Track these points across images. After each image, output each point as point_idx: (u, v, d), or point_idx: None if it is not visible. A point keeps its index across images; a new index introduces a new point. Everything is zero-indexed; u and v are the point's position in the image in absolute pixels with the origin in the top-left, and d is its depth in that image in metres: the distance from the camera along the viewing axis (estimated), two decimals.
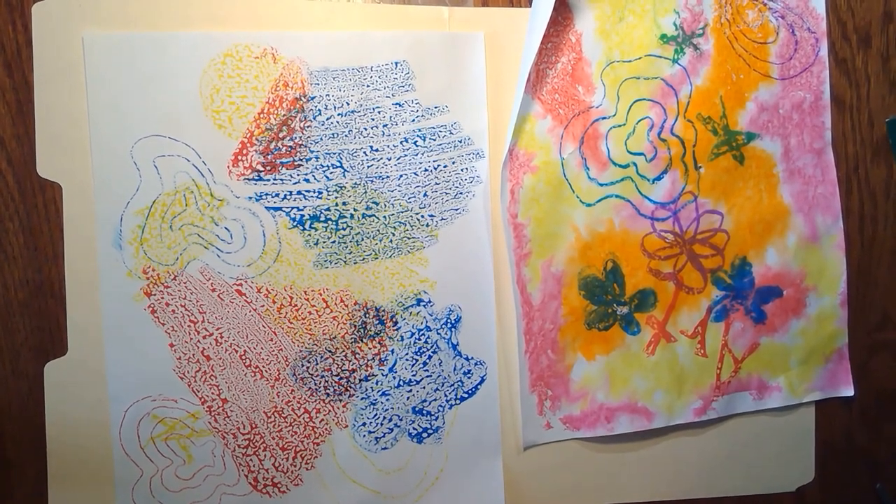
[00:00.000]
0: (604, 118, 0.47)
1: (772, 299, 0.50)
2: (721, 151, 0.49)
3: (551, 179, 0.47)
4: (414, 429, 0.47)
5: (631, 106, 0.48)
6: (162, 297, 0.44)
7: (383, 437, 0.46)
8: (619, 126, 0.48)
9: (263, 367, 0.45)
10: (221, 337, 0.45)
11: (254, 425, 0.45)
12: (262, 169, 0.44)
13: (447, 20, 0.47)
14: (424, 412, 0.46)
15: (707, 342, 0.50)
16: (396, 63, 0.45)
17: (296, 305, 0.45)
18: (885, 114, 0.51)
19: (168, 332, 0.44)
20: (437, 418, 0.47)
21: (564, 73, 0.47)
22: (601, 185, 0.48)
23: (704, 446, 0.50)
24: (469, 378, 0.47)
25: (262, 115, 0.44)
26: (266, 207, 0.45)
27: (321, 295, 0.45)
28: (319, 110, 0.45)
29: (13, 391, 0.45)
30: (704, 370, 0.50)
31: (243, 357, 0.45)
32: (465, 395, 0.47)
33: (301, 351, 0.45)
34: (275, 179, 0.45)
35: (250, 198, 0.44)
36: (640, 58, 0.48)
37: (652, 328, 0.49)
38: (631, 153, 0.48)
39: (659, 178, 0.48)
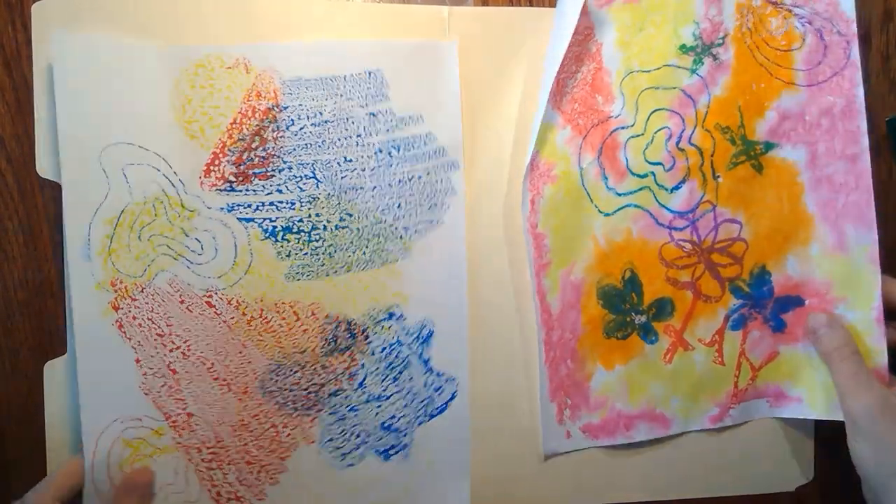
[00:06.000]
0: (623, 128, 0.48)
1: (792, 308, 0.50)
2: (739, 161, 0.49)
3: (570, 189, 0.48)
4: (381, 445, 0.46)
5: (650, 116, 0.48)
6: (129, 311, 0.44)
7: (350, 453, 0.46)
8: (638, 136, 0.48)
9: (231, 380, 0.45)
10: (189, 349, 0.45)
11: (219, 439, 0.45)
12: (234, 179, 0.45)
13: (447, 20, 0.48)
14: (392, 428, 0.46)
15: (725, 350, 0.50)
16: (370, 72, 0.46)
17: (266, 318, 0.45)
18: (885, 113, 0.52)
19: (134, 347, 0.44)
20: (405, 435, 0.46)
21: (584, 83, 0.48)
22: (619, 194, 0.48)
23: (704, 446, 0.51)
24: (440, 394, 0.47)
25: (234, 126, 0.45)
26: (238, 218, 0.45)
27: (292, 307, 0.45)
28: (293, 120, 0.45)
29: (13, 391, 0.46)
30: (722, 378, 0.50)
31: (211, 370, 0.45)
32: (435, 412, 0.47)
33: (270, 364, 0.45)
34: (247, 190, 0.45)
35: (222, 209, 0.45)
36: (659, 68, 0.48)
37: (669, 337, 0.50)
38: (649, 163, 0.48)
39: (677, 188, 0.48)
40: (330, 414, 0.46)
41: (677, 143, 0.48)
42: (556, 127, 0.47)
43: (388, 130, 0.46)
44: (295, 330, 0.46)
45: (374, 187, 0.46)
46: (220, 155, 0.45)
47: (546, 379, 0.48)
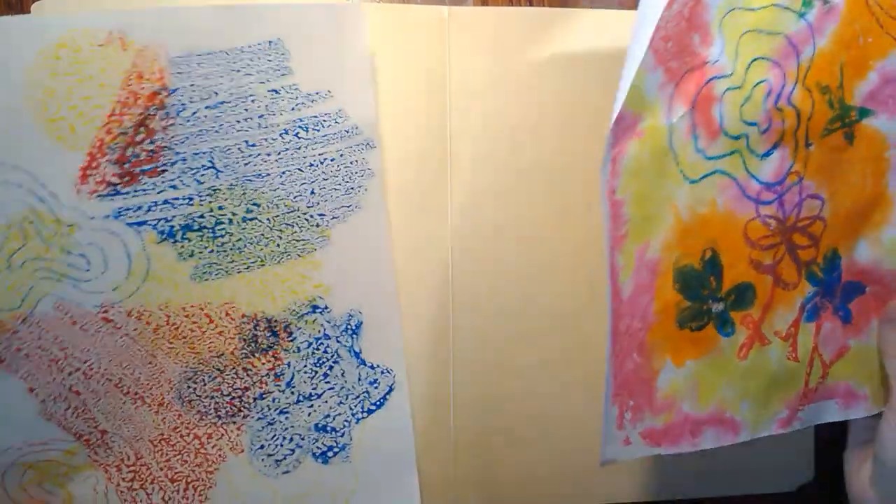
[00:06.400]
0: (720, 76, 0.40)
1: (855, 296, 0.45)
2: (834, 128, 0.43)
3: (656, 149, 0.40)
4: (318, 448, 0.45)
5: (750, 65, 0.41)
6: (10, 345, 0.38)
7: (284, 459, 0.45)
8: (737, 88, 0.41)
9: (144, 392, 0.42)
10: (91, 369, 0.40)
11: (139, 456, 0.42)
12: (118, 181, 0.38)
13: (447, 20, 0.44)
14: (328, 429, 0.45)
15: (798, 345, 0.45)
16: (270, 42, 0.39)
17: (174, 324, 0.41)
18: None
19: (24, 378, 0.39)
20: (342, 434, 0.46)
21: (680, 17, 0.39)
22: (708, 158, 0.41)
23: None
24: (375, 388, 0.46)
25: (112, 118, 0.37)
26: (127, 224, 0.39)
27: (202, 310, 0.42)
28: (184, 104, 0.38)
29: None
30: (794, 376, 0.45)
31: (119, 385, 0.41)
32: (373, 407, 0.46)
33: (185, 372, 0.42)
34: (135, 191, 0.39)
35: (107, 216, 0.38)
36: (765, 7, 0.40)
37: (747, 329, 0.44)
38: (745, 122, 0.41)
39: (768, 154, 0.42)
40: (258, 419, 0.44)
41: (776, 102, 0.41)
42: (645, 69, 0.39)
43: (293, 109, 0.41)
44: (209, 333, 0.42)
45: (283, 173, 0.42)
46: (98, 155, 0.37)
47: (611, 375, 0.42)
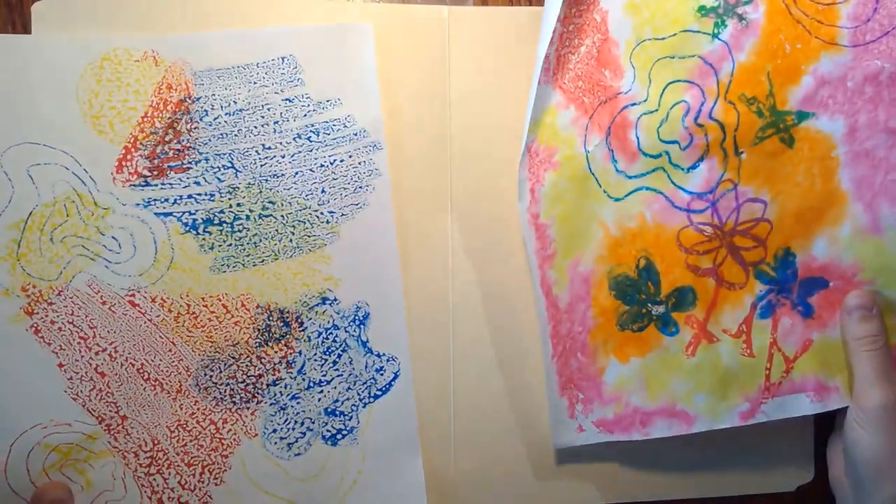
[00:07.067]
0: (633, 104, 0.44)
1: (816, 291, 0.45)
2: (766, 135, 0.44)
3: (575, 175, 0.45)
4: (327, 431, 0.46)
5: (664, 89, 0.44)
6: (46, 315, 0.42)
7: (295, 442, 0.45)
8: (652, 112, 0.44)
9: (163, 379, 0.44)
10: (116, 351, 0.43)
11: (156, 441, 0.44)
12: (148, 174, 0.44)
13: (447, 20, 0.48)
14: (337, 413, 0.46)
15: (753, 341, 0.45)
16: (283, 58, 0.45)
17: (194, 313, 0.44)
18: None
19: (56, 352, 0.43)
20: (350, 418, 0.46)
21: (589, 56, 0.44)
22: (630, 177, 0.45)
23: (704, 446, 0.49)
24: (381, 375, 0.46)
25: (145, 119, 0.44)
26: (155, 213, 0.44)
27: (220, 300, 0.44)
28: (206, 111, 0.44)
29: None
30: (752, 371, 0.46)
31: (141, 370, 0.44)
32: (379, 393, 0.46)
33: (203, 360, 0.44)
34: (163, 184, 0.44)
35: (138, 204, 0.44)
36: (674, 34, 0.44)
37: (692, 328, 0.46)
38: (663, 141, 0.44)
39: (694, 167, 0.44)
40: (271, 405, 0.45)
41: (696, 119, 0.44)
42: (556, 108, 0.45)
43: (305, 115, 0.46)
44: (225, 323, 0.45)
45: (296, 173, 0.46)
46: (132, 150, 0.44)
47: (554, 373, 0.46)
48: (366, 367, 0.46)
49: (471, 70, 0.48)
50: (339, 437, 0.46)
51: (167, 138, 0.44)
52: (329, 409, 0.46)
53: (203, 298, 0.45)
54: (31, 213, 0.42)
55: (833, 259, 0.44)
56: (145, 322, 0.44)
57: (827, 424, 0.48)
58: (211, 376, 0.44)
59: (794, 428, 0.50)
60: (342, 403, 0.46)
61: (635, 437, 0.46)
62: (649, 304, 0.46)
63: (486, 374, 0.48)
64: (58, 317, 0.43)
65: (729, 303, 0.45)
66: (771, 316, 0.45)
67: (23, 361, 0.42)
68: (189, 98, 0.44)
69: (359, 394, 0.46)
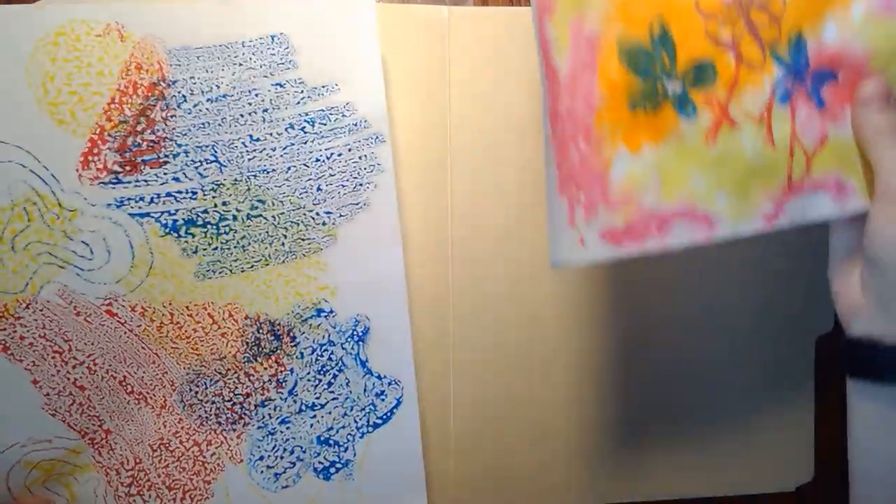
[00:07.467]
0: None
1: (826, 83, 0.41)
2: None
3: None
4: (319, 463, 0.42)
5: None
6: (14, 331, 0.38)
7: (284, 472, 0.42)
8: None
9: (147, 393, 0.40)
10: (95, 364, 0.40)
11: (138, 460, 0.41)
12: (119, 170, 0.38)
13: (447, 20, 0.43)
14: (331, 442, 0.42)
15: (774, 130, 0.40)
16: (273, 37, 0.39)
17: (178, 323, 0.40)
18: None
19: (29, 369, 0.39)
20: (346, 449, 0.42)
21: None
22: None
23: (704, 445, 0.49)
24: (382, 400, 0.42)
25: (113, 106, 0.38)
26: (130, 214, 0.39)
27: (206, 309, 0.40)
28: (184, 96, 0.38)
29: None
30: (774, 165, 0.40)
31: (123, 383, 0.40)
32: (379, 422, 0.42)
33: (188, 374, 0.41)
34: (137, 181, 0.38)
35: (109, 205, 0.38)
36: None
37: (712, 110, 0.40)
38: None
39: None
40: (258, 428, 0.42)
41: None
42: None
43: (298, 103, 0.40)
44: (212, 334, 0.41)
45: (288, 168, 0.40)
46: (99, 142, 0.38)
47: (553, 166, 0.38)
48: (364, 390, 0.42)
49: (470, 70, 0.44)
50: (332, 470, 0.42)
51: (139, 128, 0.38)
52: (322, 438, 0.42)
53: (187, 307, 0.40)
54: None
55: (843, 46, 0.39)
56: (125, 332, 0.40)
57: (828, 425, 0.48)
58: (196, 392, 0.41)
59: (793, 427, 0.50)
60: (337, 432, 0.42)
61: (651, 246, 0.39)
62: (664, 79, 0.39)
63: (487, 385, 0.45)
64: (27, 332, 0.39)
65: (751, 83, 0.40)
66: (789, 102, 0.40)
67: None
68: (163, 81, 0.38)
69: (356, 421, 0.42)
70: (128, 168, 0.38)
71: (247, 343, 0.41)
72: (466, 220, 0.44)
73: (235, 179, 0.40)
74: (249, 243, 0.40)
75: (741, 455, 0.50)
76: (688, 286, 0.47)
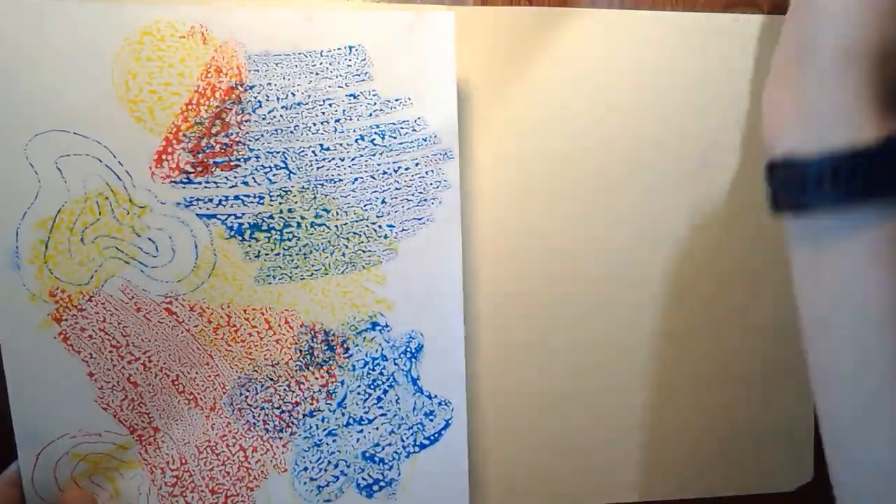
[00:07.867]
0: None
1: None
2: None
3: None
4: (363, 479, 0.42)
5: None
6: (76, 322, 0.39)
7: (327, 485, 0.41)
8: None
9: (198, 394, 0.40)
10: (150, 361, 0.40)
11: (184, 461, 0.41)
12: (191, 170, 0.38)
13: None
14: (376, 459, 0.42)
15: None
16: (351, 48, 0.39)
17: (234, 326, 0.40)
18: None
19: (86, 361, 0.39)
20: (391, 468, 0.42)
21: None
22: None
23: (703, 446, 0.48)
24: (431, 421, 0.42)
25: (190, 107, 0.38)
26: (198, 215, 0.39)
27: (263, 314, 0.40)
28: (260, 102, 0.38)
29: None
30: None
31: (176, 382, 0.40)
32: (426, 442, 0.42)
33: (240, 378, 0.41)
34: (207, 182, 0.39)
35: (178, 204, 0.39)
36: None
37: None
38: None
39: None
40: (305, 438, 0.41)
41: None
42: None
43: (371, 115, 0.40)
44: (267, 340, 0.41)
45: (355, 179, 0.40)
46: (174, 141, 0.38)
47: None
48: (414, 408, 0.42)
49: (471, 70, 0.43)
50: (375, 488, 0.42)
51: (214, 130, 0.39)
52: (368, 454, 0.41)
53: (245, 311, 0.40)
54: (59, 211, 0.37)
55: None
56: (183, 332, 0.40)
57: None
58: (247, 397, 0.41)
59: (793, 428, 0.50)
60: (383, 449, 0.42)
61: None
62: None
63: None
64: (88, 324, 0.39)
65: None
66: None
67: (51, 370, 0.39)
68: (241, 85, 0.38)
69: (403, 439, 0.42)
70: (199, 169, 0.39)
71: (300, 351, 0.41)
72: (464, 217, 0.43)
73: (303, 187, 0.40)
74: (311, 251, 0.40)
75: (741, 455, 0.50)
76: (688, 286, 0.47)
